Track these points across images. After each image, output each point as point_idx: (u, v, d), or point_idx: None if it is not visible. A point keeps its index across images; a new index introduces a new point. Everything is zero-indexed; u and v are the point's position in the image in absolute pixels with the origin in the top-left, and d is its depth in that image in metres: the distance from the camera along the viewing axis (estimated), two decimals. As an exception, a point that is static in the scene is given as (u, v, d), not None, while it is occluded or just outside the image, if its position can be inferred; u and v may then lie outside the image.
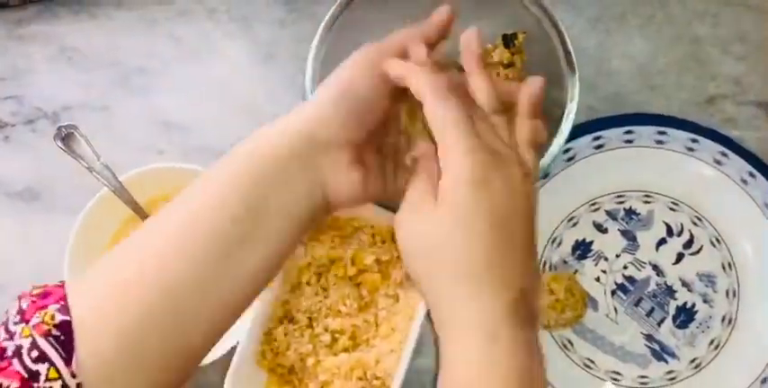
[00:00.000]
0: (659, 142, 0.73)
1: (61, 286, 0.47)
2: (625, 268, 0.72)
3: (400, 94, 0.52)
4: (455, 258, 0.45)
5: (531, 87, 0.51)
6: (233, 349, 0.66)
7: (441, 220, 0.46)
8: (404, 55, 0.52)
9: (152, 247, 0.48)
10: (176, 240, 0.47)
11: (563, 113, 0.63)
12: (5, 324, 0.45)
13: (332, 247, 0.70)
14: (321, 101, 0.51)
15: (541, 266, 0.73)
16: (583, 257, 0.73)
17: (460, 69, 0.70)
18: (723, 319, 0.72)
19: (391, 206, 0.62)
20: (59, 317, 0.44)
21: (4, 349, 0.44)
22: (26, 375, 0.43)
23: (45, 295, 0.46)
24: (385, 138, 0.55)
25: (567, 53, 0.63)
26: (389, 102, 0.52)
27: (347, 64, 0.52)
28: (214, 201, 0.48)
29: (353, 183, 0.51)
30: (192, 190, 0.50)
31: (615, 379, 0.71)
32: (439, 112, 0.47)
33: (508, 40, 0.69)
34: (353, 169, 0.51)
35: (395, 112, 0.55)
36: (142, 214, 0.71)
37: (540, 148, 0.55)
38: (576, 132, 0.71)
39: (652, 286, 0.72)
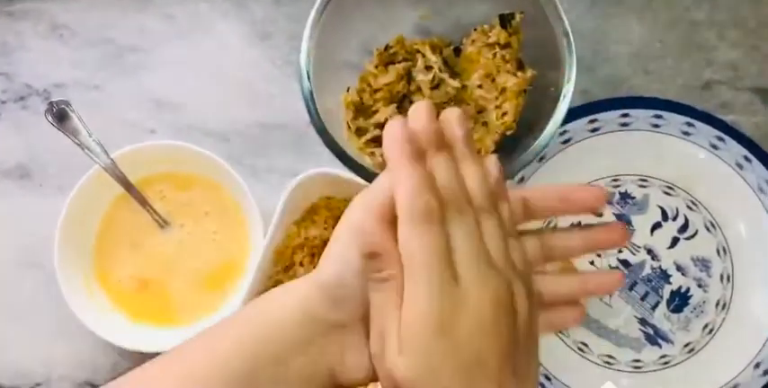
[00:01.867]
0: (655, 126, 0.72)
1: None
2: (620, 251, 0.72)
3: None
4: None
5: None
6: (224, 330, 0.66)
7: (405, 366, 0.39)
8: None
9: None
10: None
11: (559, 94, 0.63)
12: None
13: (326, 228, 0.69)
14: (322, 281, 0.43)
15: (536, 249, 0.72)
16: (577, 240, 0.72)
17: (456, 51, 0.71)
18: (717, 303, 0.72)
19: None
20: None
21: None
22: None
23: None
24: None
25: (566, 34, 0.63)
26: None
27: (339, 232, 0.44)
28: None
29: (369, 364, 0.43)
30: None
31: (609, 363, 0.71)
32: (412, 242, 0.40)
33: (505, 21, 0.68)
34: (368, 348, 0.42)
35: None
36: (134, 192, 0.70)
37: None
38: (572, 115, 0.71)
39: (647, 271, 0.72)
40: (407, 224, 0.40)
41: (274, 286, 0.68)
